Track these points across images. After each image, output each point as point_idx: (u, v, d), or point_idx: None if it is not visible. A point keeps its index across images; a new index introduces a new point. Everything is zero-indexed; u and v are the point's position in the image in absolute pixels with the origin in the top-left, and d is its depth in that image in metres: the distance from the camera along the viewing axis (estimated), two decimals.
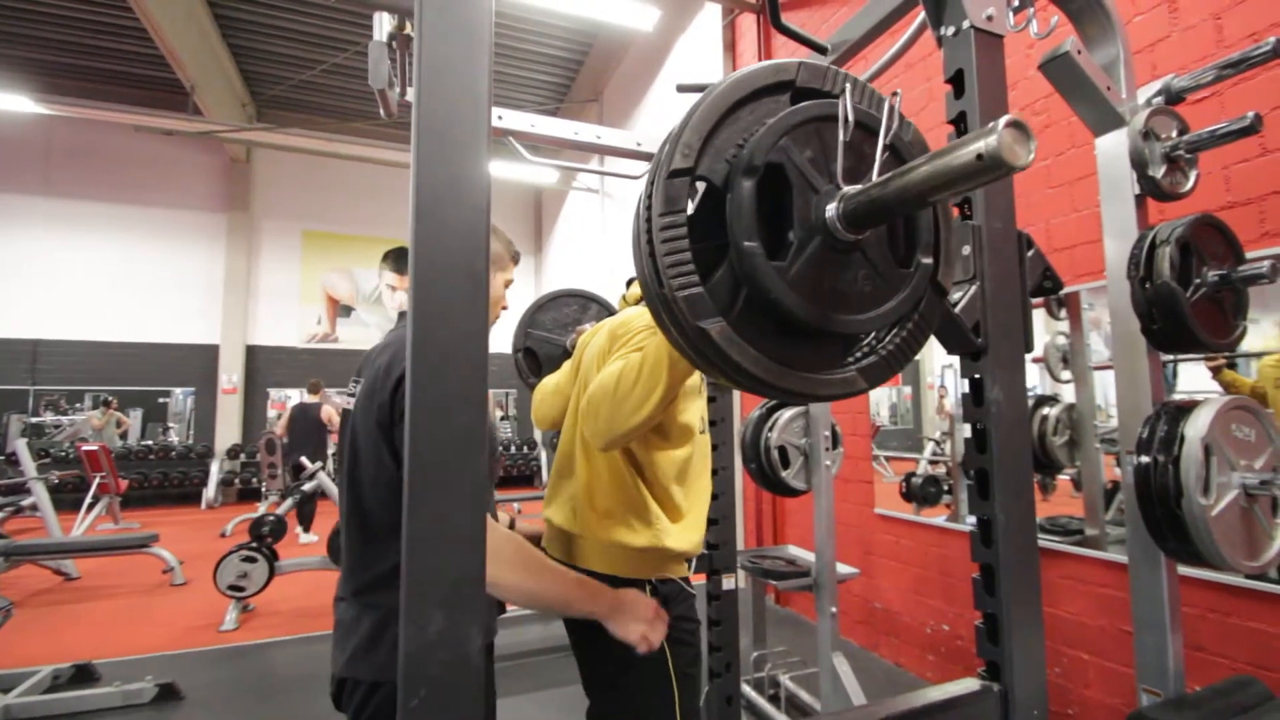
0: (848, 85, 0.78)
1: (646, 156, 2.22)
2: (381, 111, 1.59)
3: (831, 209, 0.72)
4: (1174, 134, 1.36)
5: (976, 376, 1.15)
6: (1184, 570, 2.11)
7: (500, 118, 1.94)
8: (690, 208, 0.75)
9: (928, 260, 0.82)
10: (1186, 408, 1.22)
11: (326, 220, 11.28)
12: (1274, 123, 1.92)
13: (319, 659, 3.50)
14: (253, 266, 10.76)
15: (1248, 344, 2.10)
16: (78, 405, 9.86)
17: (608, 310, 2.50)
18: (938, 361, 3.52)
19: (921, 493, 3.54)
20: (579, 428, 1.45)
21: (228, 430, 10.19)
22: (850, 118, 0.76)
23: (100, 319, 9.87)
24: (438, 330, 0.74)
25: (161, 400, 10.27)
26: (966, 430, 1.16)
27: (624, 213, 8.54)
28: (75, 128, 9.51)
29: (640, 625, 1.22)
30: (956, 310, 1.13)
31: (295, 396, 11.17)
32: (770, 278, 0.70)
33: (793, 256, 0.72)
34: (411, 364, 0.72)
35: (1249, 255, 1.39)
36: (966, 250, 1.16)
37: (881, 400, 3.89)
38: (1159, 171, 1.33)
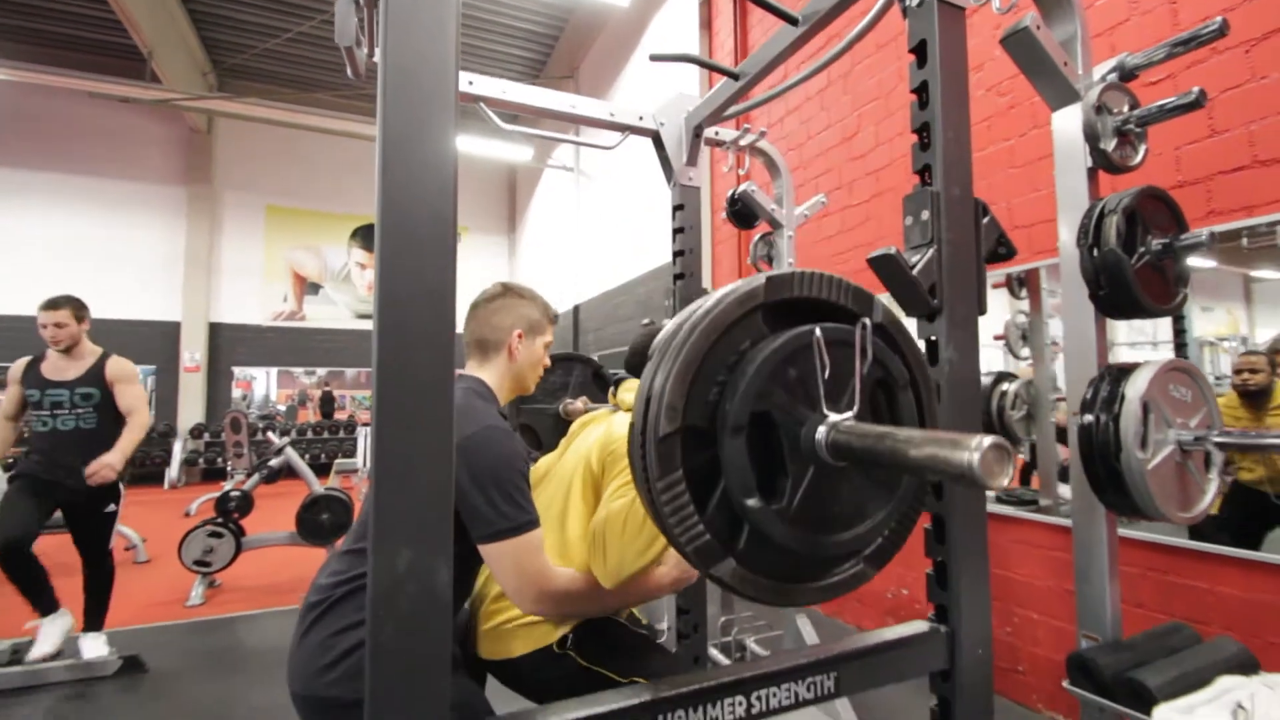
0: (819, 331, 0.75)
1: (620, 127, 2.23)
2: (349, 71, 1.56)
3: (821, 435, 0.73)
4: (1125, 109, 1.41)
5: (932, 338, 1.20)
6: (1126, 531, 2.22)
7: (471, 83, 1.93)
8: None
9: None
10: (1128, 369, 1.29)
11: (292, 195, 10.99)
12: (1223, 105, 2.00)
13: (289, 632, 3.48)
14: (215, 242, 10.45)
15: (1202, 329, 2.19)
16: None
17: (591, 369, 2.46)
18: None
19: None
20: (549, 512, 1.46)
21: (191, 409, 9.95)
22: (826, 359, 0.75)
23: (55, 294, 9.51)
24: (404, 278, 0.75)
25: None
26: None
27: (599, 190, 8.49)
28: (24, 93, 9.07)
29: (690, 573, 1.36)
30: (914, 273, 1.17)
31: (260, 376, 10.95)
32: (774, 526, 0.72)
33: (789, 494, 0.73)
34: (379, 311, 0.74)
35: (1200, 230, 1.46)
36: (925, 215, 1.20)
37: None
38: (1110, 145, 1.38)
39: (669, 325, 0.82)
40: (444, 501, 0.75)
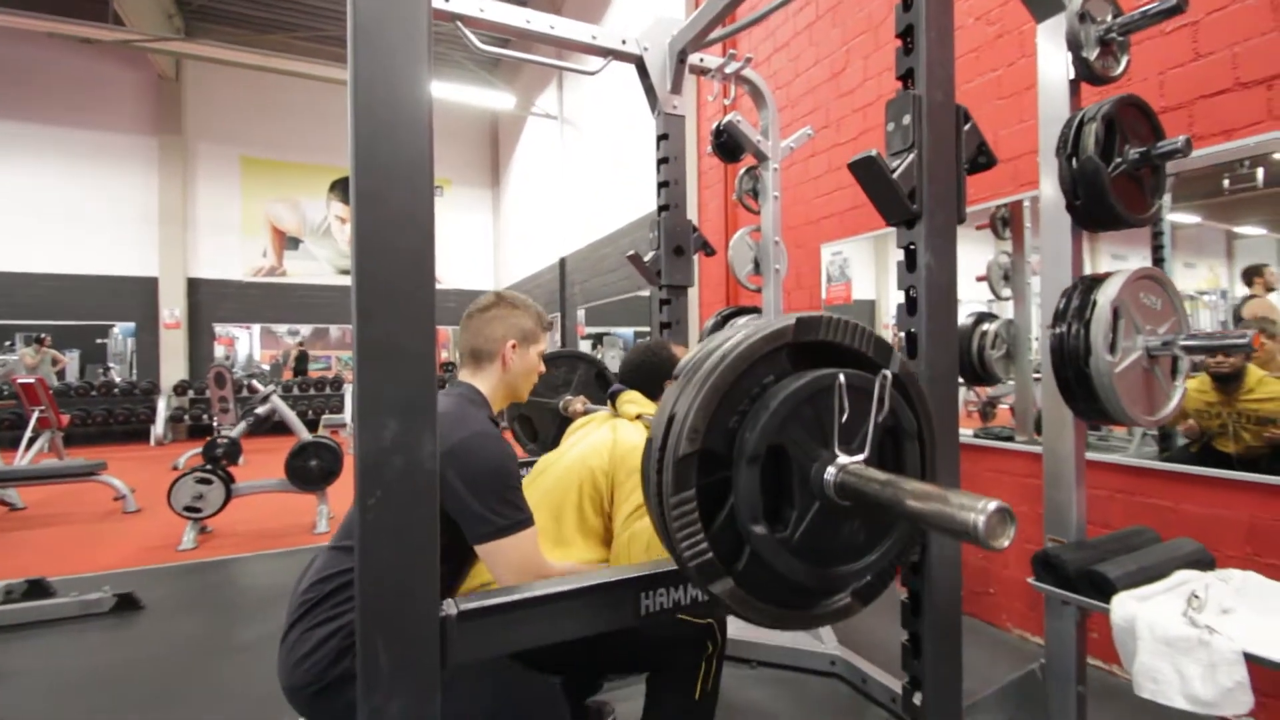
0: (842, 376, 0.78)
1: (603, 51, 2.18)
2: None
3: (830, 475, 0.76)
4: (1109, 18, 1.40)
5: (911, 245, 1.21)
6: (1096, 456, 2.29)
7: (447, 0, 1.87)
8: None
9: None
10: (1100, 279, 1.31)
11: (267, 146, 10.68)
12: (1209, 27, 1.98)
13: (280, 572, 3.54)
14: (189, 194, 10.17)
15: (1184, 285, 2.23)
16: (8, 344, 9.37)
17: (595, 369, 2.45)
18: (894, 302, 3.63)
19: None
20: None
21: (173, 366, 9.85)
22: (846, 404, 0.78)
23: (23, 248, 9.27)
24: (380, 153, 0.74)
25: (100, 340, 9.84)
26: (901, 297, 1.23)
27: (583, 140, 8.32)
28: None
29: None
30: (894, 177, 1.18)
31: (243, 335, 10.83)
32: (776, 553, 0.75)
33: (794, 525, 0.76)
34: (355, 187, 0.73)
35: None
36: (907, 120, 1.20)
37: None
38: (1093, 54, 1.38)
39: (694, 352, 0.84)
40: (427, 375, 0.76)
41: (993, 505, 0.58)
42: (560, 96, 9.00)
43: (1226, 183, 2.05)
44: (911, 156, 1.18)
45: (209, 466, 3.98)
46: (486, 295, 1.47)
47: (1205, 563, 1.36)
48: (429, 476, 0.76)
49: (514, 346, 1.41)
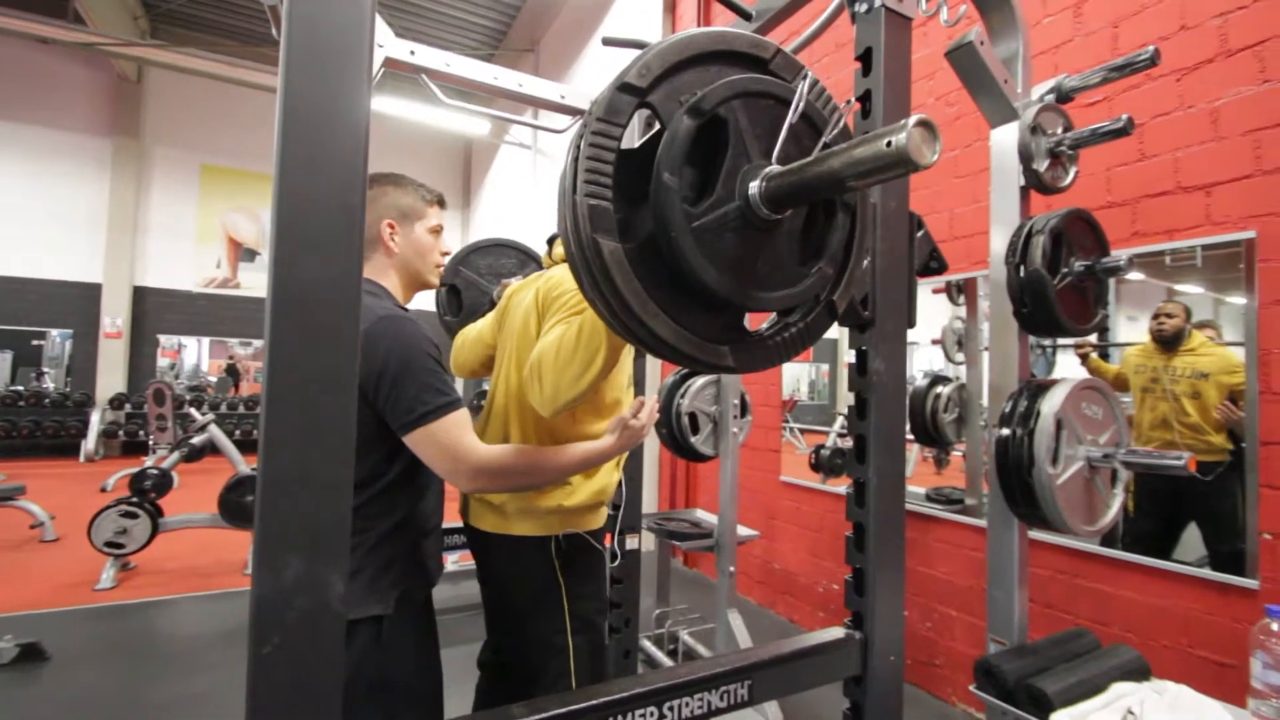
0: (806, 79, 0.81)
1: (571, 110, 2.16)
2: (273, 30, 1.46)
3: (755, 185, 0.74)
4: (1059, 130, 1.44)
5: (862, 348, 1.21)
6: (1039, 535, 2.33)
7: (413, 53, 1.83)
8: (637, 142, 0.75)
9: (829, 270, 0.85)
10: (1046, 386, 1.33)
11: (229, 154, 10.40)
12: (1154, 130, 2.08)
13: (206, 618, 3.34)
14: (142, 200, 9.81)
15: (1126, 336, 2.31)
16: None
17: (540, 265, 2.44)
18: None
19: (829, 464, 3.72)
20: (508, 388, 1.44)
21: (111, 378, 9.37)
22: (802, 105, 0.77)
23: None
24: (304, 264, 0.69)
25: (35, 343, 9.32)
26: (851, 399, 1.22)
27: (557, 171, 8.34)
28: None
29: (633, 434, 1.30)
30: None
31: (191, 344, 10.41)
32: (677, 214, 0.70)
33: (706, 209, 0.73)
34: (272, 296, 0.68)
35: (1120, 253, 1.51)
36: None
37: (801, 376, 4.03)
38: (1042, 165, 1.41)
39: None
40: (341, 507, 0.71)
41: (913, 120, 0.56)
42: (535, 129, 9.03)
43: (1168, 259, 2.11)
44: (864, 263, 1.19)
45: (135, 499, 3.76)
46: None
47: (1141, 672, 1.37)
48: (336, 623, 0.70)
49: (391, 227, 1.31)
